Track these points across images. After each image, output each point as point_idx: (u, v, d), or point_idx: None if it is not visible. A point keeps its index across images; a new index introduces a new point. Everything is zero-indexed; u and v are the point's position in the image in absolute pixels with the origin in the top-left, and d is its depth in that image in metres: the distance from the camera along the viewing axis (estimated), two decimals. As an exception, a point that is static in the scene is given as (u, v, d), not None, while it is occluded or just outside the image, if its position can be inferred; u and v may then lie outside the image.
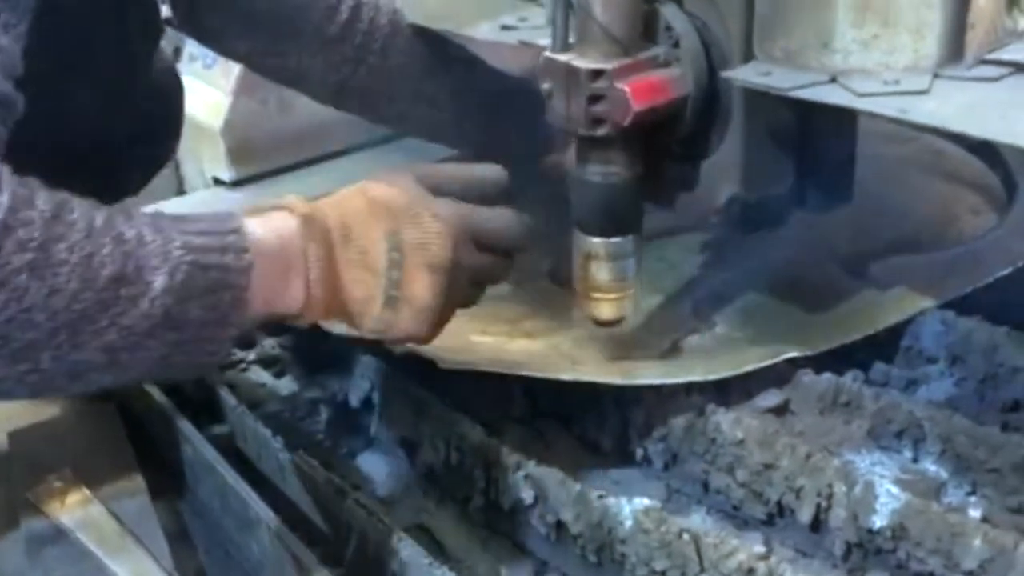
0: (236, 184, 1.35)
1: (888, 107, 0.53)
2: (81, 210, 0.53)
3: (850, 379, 0.79)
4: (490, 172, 0.71)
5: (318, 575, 0.64)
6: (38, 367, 0.52)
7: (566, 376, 0.73)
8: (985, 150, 1.05)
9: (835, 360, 0.79)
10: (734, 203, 0.73)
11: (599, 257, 0.75)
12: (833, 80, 0.58)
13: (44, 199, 0.52)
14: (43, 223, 0.51)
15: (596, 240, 0.75)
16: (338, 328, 0.82)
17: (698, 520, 0.74)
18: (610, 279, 0.76)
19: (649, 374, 0.73)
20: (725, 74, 0.64)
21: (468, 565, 0.75)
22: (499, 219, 0.67)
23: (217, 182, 1.37)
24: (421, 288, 0.61)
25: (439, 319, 0.64)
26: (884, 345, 0.82)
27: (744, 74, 0.62)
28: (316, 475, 0.71)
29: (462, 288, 0.65)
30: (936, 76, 0.57)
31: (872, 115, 0.55)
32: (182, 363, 0.57)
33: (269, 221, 0.60)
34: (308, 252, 0.60)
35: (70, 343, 0.52)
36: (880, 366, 0.82)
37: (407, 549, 0.64)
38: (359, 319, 0.63)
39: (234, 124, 1.37)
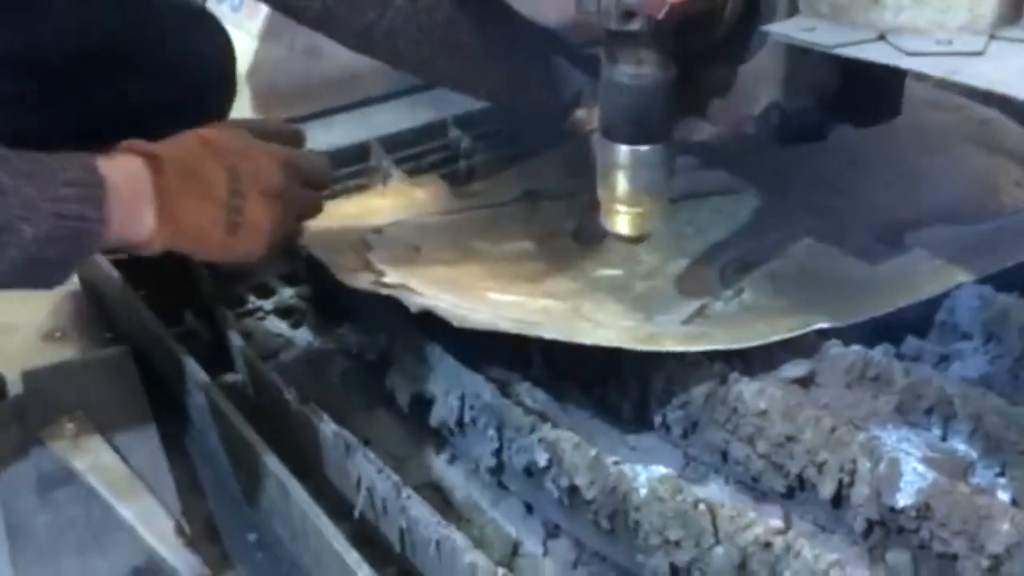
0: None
1: (938, 67, 0.50)
2: None
3: (879, 353, 0.76)
4: (290, 127, 0.86)
5: (326, 528, 0.63)
6: None
7: (587, 340, 0.71)
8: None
9: (865, 332, 0.77)
10: (772, 111, 0.68)
11: (624, 166, 0.71)
12: (881, 38, 0.54)
13: None
14: None
15: (622, 147, 0.70)
16: (360, 282, 0.81)
17: (715, 490, 0.72)
18: (634, 191, 0.72)
19: (672, 341, 0.71)
20: (766, 28, 0.60)
21: (479, 525, 0.74)
22: (317, 159, 0.80)
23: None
24: (260, 213, 0.70)
25: (272, 241, 0.73)
26: (917, 319, 0.79)
27: (787, 28, 0.59)
28: (326, 428, 0.70)
29: (290, 217, 0.74)
30: (992, 38, 0.53)
31: (920, 76, 0.52)
32: (26, 286, 0.64)
33: (120, 163, 0.66)
34: (157, 187, 0.66)
35: None
36: (912, 340, 0.79)
37: (416, 507, 0.63)
38: (203, 245, 0.70)
39: (260, 69, 1.35)
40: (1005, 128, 1.02)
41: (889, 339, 0.78)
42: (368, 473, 0.66)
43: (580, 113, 0.88)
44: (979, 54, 0.52)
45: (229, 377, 0.84)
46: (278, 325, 0.98)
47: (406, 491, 0.63)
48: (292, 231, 0.77)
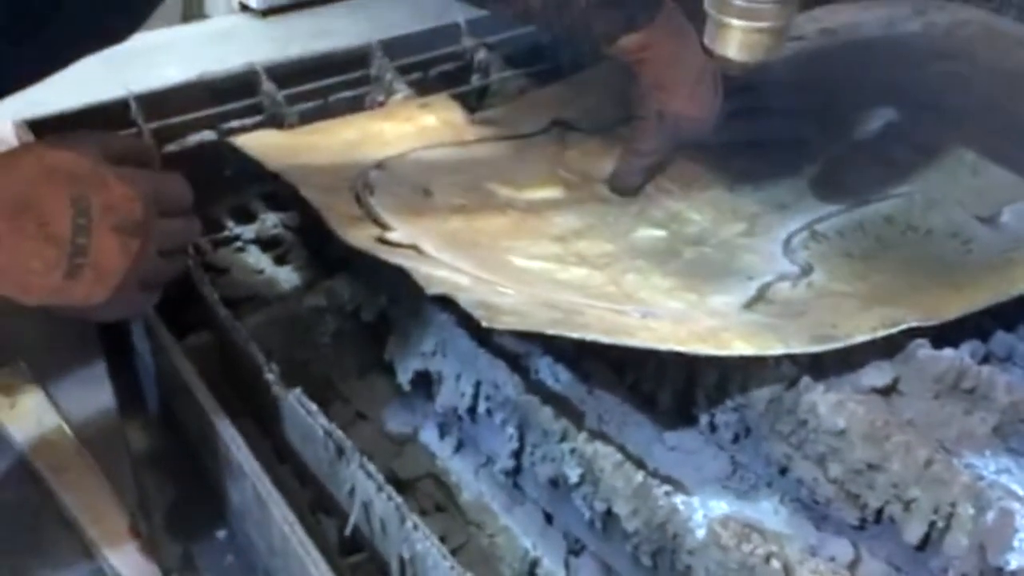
0: (267, 13, 1.20)
1: None
2: None
3: (967, 353, 0.65)
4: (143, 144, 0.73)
5: (309, 553, 0.52)
6: None
7: (638, 343, 0.58)
8: None
9: (948, 325, 0.65)
10: None
11: None
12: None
13: None
14: None
15: None
16: (360, 239, 0.68)
17: (769, 510, 0.61)
18: None
19: (741, 341, 0.58)
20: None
21: (489, 533, 0.63)
22: (177, 182, 0.65)
23: (244, 8, 1.22)
24: (110, 253, 0.58)
25: (123, 283, 0.59)
26: (1008, 309, 0.68)
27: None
28: (315, 426, 0.58)
29: (150, 256, 0.61)
30: None
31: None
32: None
33: None
34: None
35: None
36: (1002, 336, 0.67)
37: (422, 541, 0.51)
38: (28, 290, 0.57)
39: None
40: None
41: (974, 333, 0.67)
42: (365, 488, 0.54)
43: (631, 39, 0.73)
44: None
45: (196, 338, 0.71)
46: (260, 259, 0.85)
47: (412, 519, 0.52)
48: (155, 274, 0.63)
